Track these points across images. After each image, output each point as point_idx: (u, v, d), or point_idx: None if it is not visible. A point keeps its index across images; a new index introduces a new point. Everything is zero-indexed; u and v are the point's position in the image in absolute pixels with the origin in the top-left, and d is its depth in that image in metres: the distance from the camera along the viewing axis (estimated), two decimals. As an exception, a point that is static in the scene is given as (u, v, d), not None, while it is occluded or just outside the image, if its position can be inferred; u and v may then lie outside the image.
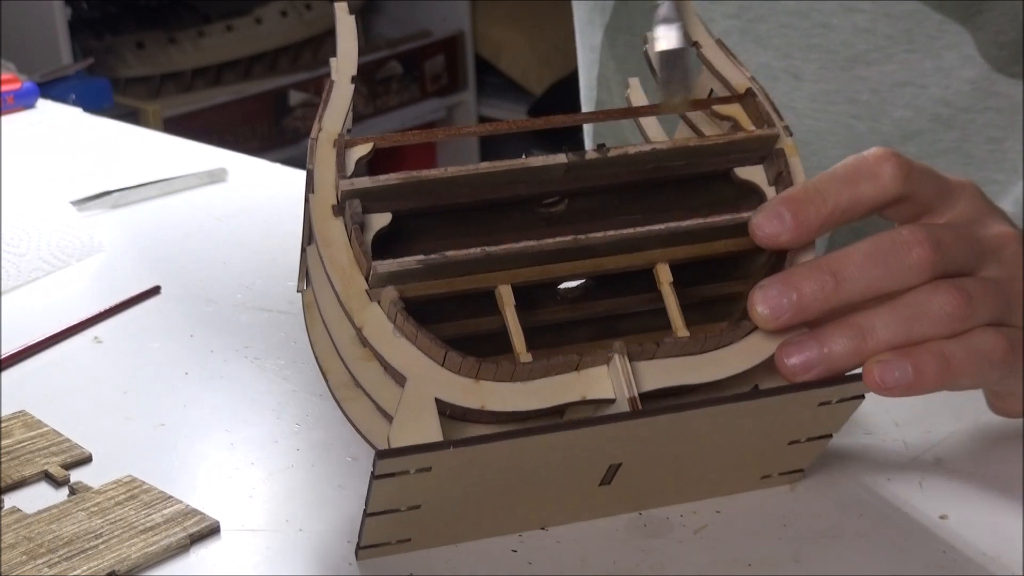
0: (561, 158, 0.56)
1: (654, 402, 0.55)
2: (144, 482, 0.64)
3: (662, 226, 0.56)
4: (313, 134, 0.56)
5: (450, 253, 0.54)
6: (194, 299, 0.87)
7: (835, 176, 0.56)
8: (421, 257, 0.54)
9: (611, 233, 0.56)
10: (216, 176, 1.07)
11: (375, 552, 0.56)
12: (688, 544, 0.58)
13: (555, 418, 0.57)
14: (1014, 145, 0.84)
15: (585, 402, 0.55)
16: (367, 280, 0.54)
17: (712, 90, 0.62)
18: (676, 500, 0.59)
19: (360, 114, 2.90)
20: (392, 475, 0.51)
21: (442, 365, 0.54)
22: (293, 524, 0.62)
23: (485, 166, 0.56)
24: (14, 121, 1.25)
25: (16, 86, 1.29)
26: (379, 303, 0.54)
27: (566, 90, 2.87)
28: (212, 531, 0.61)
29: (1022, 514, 0.58)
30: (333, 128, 0.56)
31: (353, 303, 0.54)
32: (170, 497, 0.63)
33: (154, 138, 1.26)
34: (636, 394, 0.54)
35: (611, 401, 0.55)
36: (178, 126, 2.39)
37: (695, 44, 0.60)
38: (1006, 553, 0.57)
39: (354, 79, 0.57)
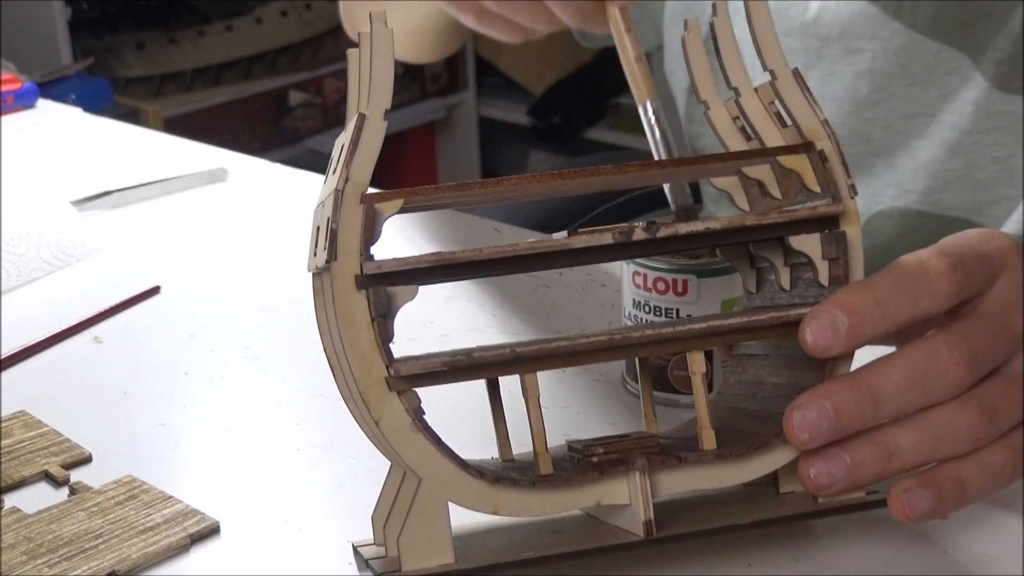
0: (607, 238, 0.52)
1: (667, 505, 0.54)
2: (144, 482, 0.64)
3: (703, 324, 0.53)
4: (339, 184, 0.49)
5: (477, 354, 0.51)
6: (194, 299, 0.87)
7: (897, 287, 0.54)
8: (447, 357, 0.50)
9: (648, 331, 0.53)
10: (216, 176, 1.07)
11: None
12: (689, 543, 0.58)
13: None
14: (1020, 161, 0.84)
15: (599, 506, 0.53)
16: (388, 370, 0.50)
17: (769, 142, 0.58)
18: None
19: (360, 114, 2.89)
20: None
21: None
22: (293, 524, 0.62)
23: (524, 247, 0.51)
24: (14, 121, 1.25)
25: (16, 86, 1.29)
26: (399, 395, 0.50)
27: (566, 90, 2.89)
28: (212, 531, 0.61)
29: (1022, 514, 0.58)
30: (362, 178, 0.50)
31: (370, 392, 0.50)
32: (170, 497, 0.63)
33: (154, 138, 1.26)
34: (652, 517, 0.52)
35: (625, 506, 0.53)
36: (178, 126, 2.39)
37: (771, 74, 0.55)
38: (1006, 553, 0.57)
39: (387, 114, 0.50)
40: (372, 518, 0.56)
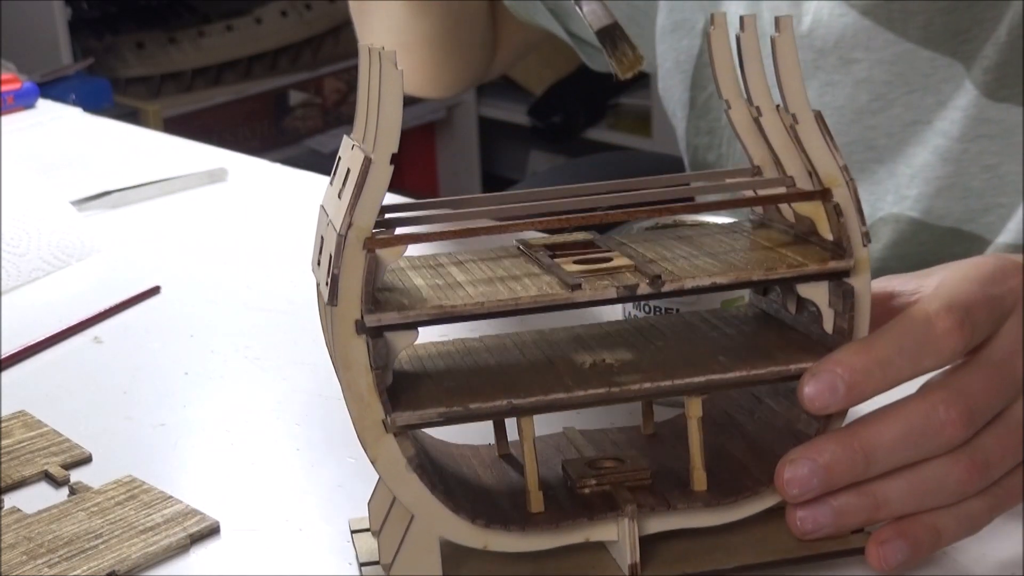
0: (611, 292, 0.51)
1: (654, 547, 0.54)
2: (144, 482, 0.64)
3: (702, 378, 0.53)
4: (341, 229, 0.49)
5: (473, 406, 0.51)
6: (194, 299, 0.87)
7: (901, 346, 0.53)
8: (443, 409, 0.51)
9: (647, 386, 0.52)
10: (216, 176, 1.07)
11: None
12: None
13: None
14: (1011, 168, 0.84)
15: (587, 543, 0.54)
16: (385, 417, 0.51)
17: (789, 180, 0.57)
18: None
19: (360, 114, 2.89)
20: None
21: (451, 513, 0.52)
22: (293, 524, 0.62)
23: (526, 300, 0.51)
24: (14, 121, 1.26)
25: (16, 86, 1.29)
26: (395, 436, 0.51)
27: (566, 90, 2.89)
28: (212, 531, 0.61)
29: (1022, 514, 0.58)
30: (365, 223, 0.49)
31: (367, 434, 0.51)
32: (170, 497, 0.63)
33: (154, 138, 1.26)
34: (638, 560, 0.53)
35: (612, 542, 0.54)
36: (178, 126, 2.39)
37: (792, 117, 0.54)
38: (1006, 553, 0.57)
39: (394, 158, 0.49)
40: (369, 505, 0.57)
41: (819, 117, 0.54)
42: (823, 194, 0.54)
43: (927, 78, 0.86)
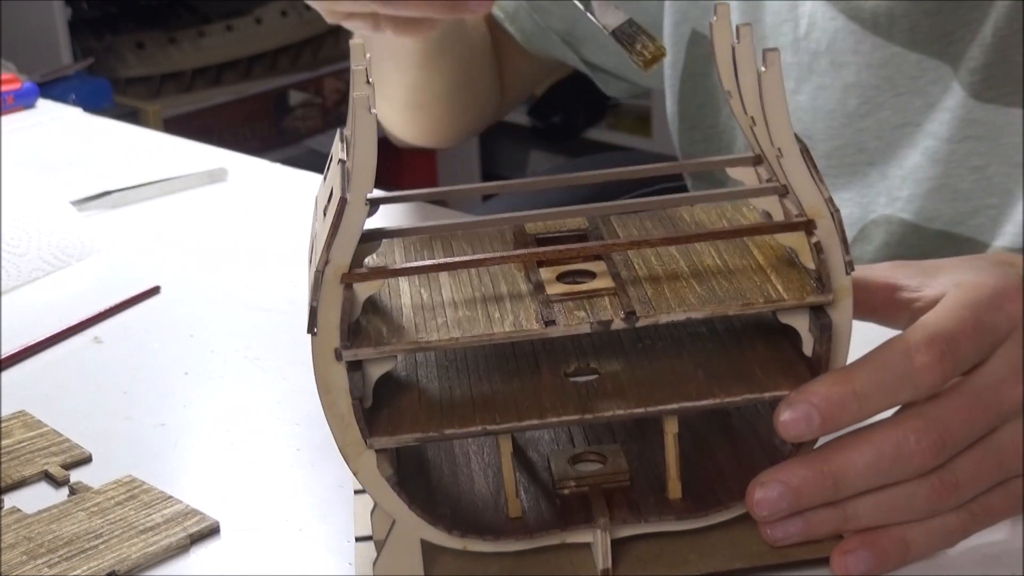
0: (584, 327, 0.53)
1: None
2: (144, 482, 0.64)
3: (676, 405, 0.54)
4: (319, 265, 0.52)
5: (449, 431, 0.53)
6: (194, 299, 0.87)
7: (878, 380, 0.53)
8: (419, 435, 0.53)
9: (620, 412, 0.53)
10: (216, 176, 1.07)
11: None
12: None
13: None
14: (999, 170, 0.84)
15: (564, 545, 0.56)
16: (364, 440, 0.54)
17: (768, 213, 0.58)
18: None
19: (360, 114, 2.89)
20: None
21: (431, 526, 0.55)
22: (293, 524, 0.62)
23: (500, 335, 0.52)
24: (14, 121, 1.25)
25: (16, 86, 1.29)
26: (376, 453, 0.54)
27: (566, 90, 2.89)
28: (212, 531, 0.61)
29: (1022, 514, 0.58)
30: (342, 261, 0.52)
31: (349, 450, 0.54)
32: (170, 497, 0.63)
33: (154, 138, 1.26)
34: (610, 566, 0.55)
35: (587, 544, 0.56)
36: (178, 126, 2.39)
37: (778, 151, 0.54)
38: (1006, 553, 0.57)
39: (369, 200, 0.51)
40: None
41: (804, 150, 0.54)
42: (807, 224, 0.54)
43: (915, 80, 0.86)
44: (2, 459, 0.67)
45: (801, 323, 0.54)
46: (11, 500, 0.64)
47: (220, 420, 0.72)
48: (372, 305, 0.54)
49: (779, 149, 0.54)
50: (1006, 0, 0.81)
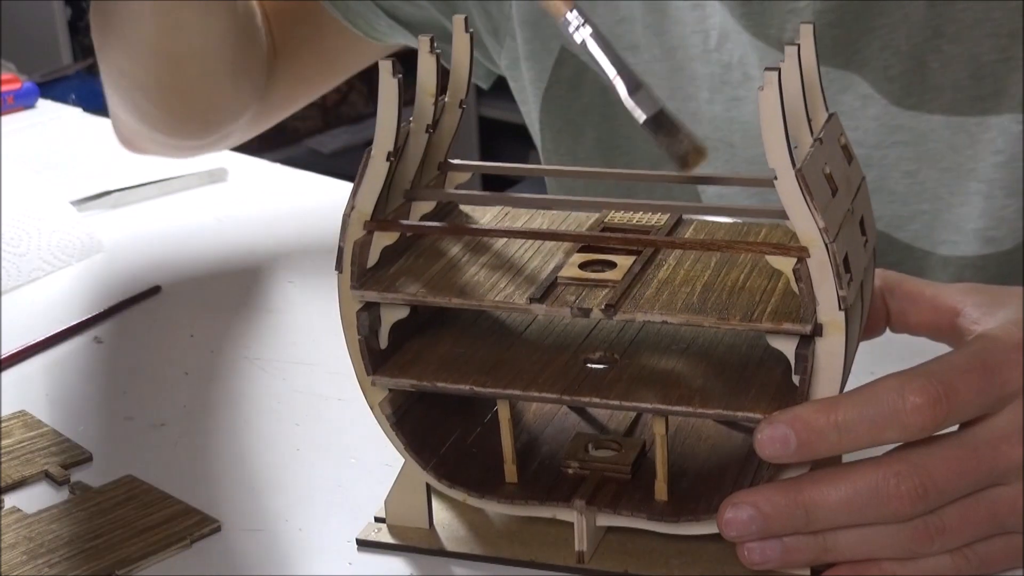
0: (566, 310, 0.55)
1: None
2: (144, 482, 0.64)
3: (650, 405, 0.55)
4: (346, 210, 0.57)
5: (440, 384, 0.57)
6: (194, 299, 0.87)
7: (863, 414, 0.52)
8: (414, 382, 0.57)
9: (596, 400, 0.55)
10: (216, 176, 1.07)
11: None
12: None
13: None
14: (930, 175, 0.83)
15: (559, 523, 0.58)
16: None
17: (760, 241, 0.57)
18: None
19: (361, 113, 2.90)
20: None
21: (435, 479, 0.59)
22: (293, 524, 0.62)
23: (488, 303, 0.56)
24: (14, 121, 1.26)
25: (16, 86, 1.29)
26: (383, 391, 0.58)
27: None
28: (212, 531, 0.61)
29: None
30: (366, 208, 0.56)
31: (363, 383, 0.58)
32: (170, 497, 0.63)
33: (154, 138, 1.25)
34: (585, 549, 0.57)
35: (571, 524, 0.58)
36: (178, 126, 2.39)
37: (773, 172, 0.53)
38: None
39: (391, 155, 0.56)
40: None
41: (800, 175, 0.52)
42: (800, 250, 0.52)
43: (825, 91, 0.84)
44: (2, 459, 0.67)
45: (788, 348, 0.54)
46: (11, 500, 0.64)
47: (220, 420, 0.72)
48: (417, 255, 0.59)
49: (774, 170, 0.53)
50: (919, 0, 0.80)
